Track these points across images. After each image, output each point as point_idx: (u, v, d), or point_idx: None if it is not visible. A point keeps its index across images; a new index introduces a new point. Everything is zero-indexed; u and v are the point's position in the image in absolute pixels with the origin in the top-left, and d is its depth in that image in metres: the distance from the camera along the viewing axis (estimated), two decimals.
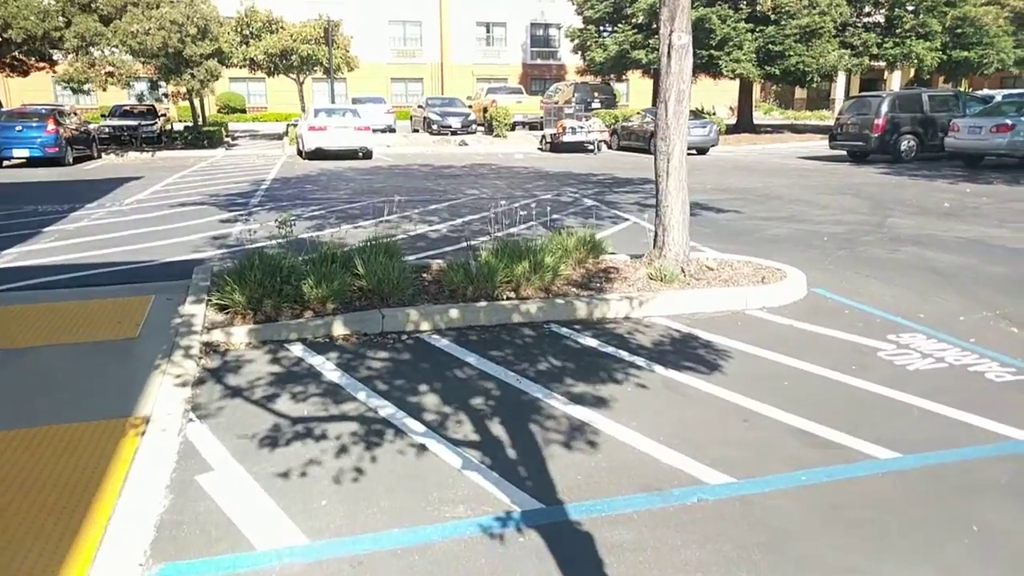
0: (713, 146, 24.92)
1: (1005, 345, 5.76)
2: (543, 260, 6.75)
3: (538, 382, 4.95)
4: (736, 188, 15.00)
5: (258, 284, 5.98)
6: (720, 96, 41.55)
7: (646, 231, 9.95)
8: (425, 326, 5.97)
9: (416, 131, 31.40)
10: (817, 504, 3.53)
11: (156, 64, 23.43)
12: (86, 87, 22.89)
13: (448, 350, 5.55)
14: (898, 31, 27.14)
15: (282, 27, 29.98)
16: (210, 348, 5.46)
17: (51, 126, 19.99)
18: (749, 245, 9.40)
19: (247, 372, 5.07)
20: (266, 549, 3.11)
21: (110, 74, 22.92)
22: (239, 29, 29.62)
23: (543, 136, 26.63)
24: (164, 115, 29.26)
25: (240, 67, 30.92)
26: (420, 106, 32.53)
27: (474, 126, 29.76)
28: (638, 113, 26.72)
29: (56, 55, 24.34)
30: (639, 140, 24.69)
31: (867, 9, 28.59)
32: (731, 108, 38.65)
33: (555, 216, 11.66)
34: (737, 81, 31.37)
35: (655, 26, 27.40)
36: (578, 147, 25.08)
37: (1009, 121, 17.22)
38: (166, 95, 32.28)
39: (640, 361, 5.37)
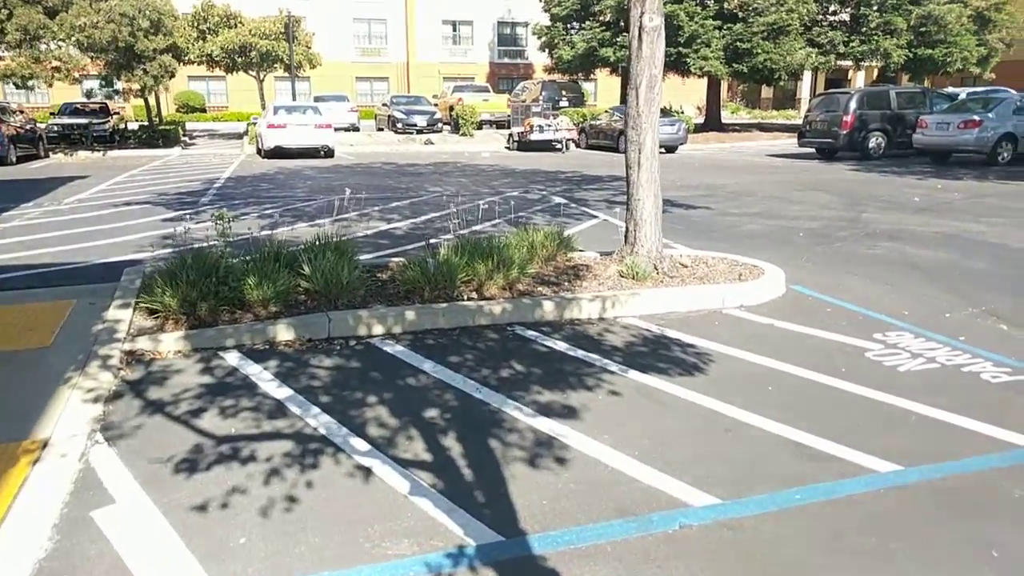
0: (682, 144, 24.69)
1: (996, 343, 5.42)
2: (508, 257, 6.27)
3: (501, 391, 4.46)
4: (707, 185, 14.68)
5: (192, 286, 5.40)
6: (688, 95, 41.49)
7: (616, 228, 9.52)
8: (377, 330, 5.45)
9: (381, 130, 30.72)
10: (815, 529, 3.09)
11: (106, 59, 22.45)
12: (30, 83, 21.79)
13: (401, 356, 5.03)
14: (864, 29, 27.19)
15: (241, 22, 29.08)
16: (133, 357, 4.87)
17: None
18: (723, 242, 9.03)
19: (172, 384, 4.50)
20: None
21: (57, 69, 21.87)
22: (195, 24, 28.65)
23: (510, 135, 26.17)
24: (117, 113, 28.16)
25: (197, 63, 29.93)
26: (385, 104, 31.84)
27: (440, 125, 29.17)
28: (606, 111, 26.41)
29: None
30: (607, 139, 24.36)
31: (833, 8, 28.63)
32: (699, 107, 38.60)
33: (522, 213, 11.19)
34: (705, 79, 31.24)
35: (623, 24, 27.17)
36: (546, 146, 24.66)
37: (977, 117, 17.18)
38: (116, 92, 31.15)
39: (612, 366, 4.91)
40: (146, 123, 27.95)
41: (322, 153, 21.57)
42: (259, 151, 22.31)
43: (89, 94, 32.87)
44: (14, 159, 19.52)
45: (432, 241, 7.50)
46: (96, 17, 20.40)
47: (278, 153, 21.21)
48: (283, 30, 28.55)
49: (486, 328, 5.64)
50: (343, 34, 43.58)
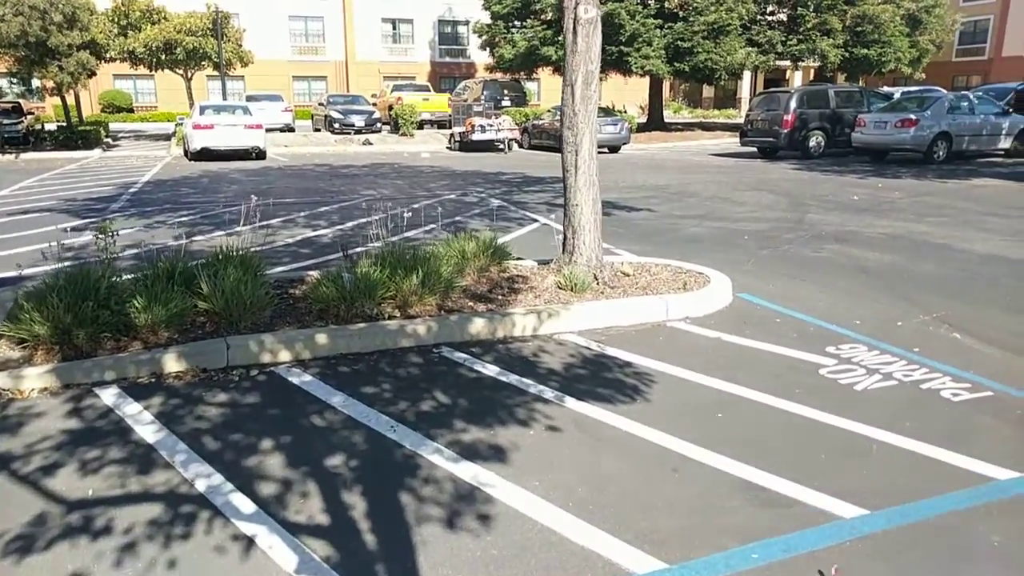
0: (625, 144, 24.46)
1: (952, 355, 5.10)
2: (436, 270, 5.71)
3: (419, 429, 3.90)
4: (650, 186, 14.36)
5: (66, 310, 4.69)
6: (631, 95, 41.51)
7: (556, 232, 9.04)
8: (284, 356, 4.83)
9: (318, 130, 29.71)
10: None
11: (16, 55, 20.99)
12: None
13: (308, 388, 4.43)
14: (801, 29, 27.48)
15: (165, 18, 27.68)
16: None
17: None
18: (667, 246, 8.65)
19: (27, 432, 3.81)
20: None
21: None
22: (116, 19, 27.15)
23: (451, 135, 25.58)
24: (32, 113, 26.50)
25: (120, 61, 28.39)
26: (321, 104, 30.81)
27: (379, 125, 28.36)
28: (549, 111, 26.02)
29: None
30: (550, 139, 23.96)
31: (771, 8, 28.86)
32: (641, 107, 38.61)
33: (458, 218, 10.65)
34: (647, 79, 31.18)
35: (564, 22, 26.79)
36: (488, 146, 24.15)
37: (913, 116, 17.33)
38: (31, 91, 29.39)
39: (548, 392, 4.40)
40: (65, 123, 26.36)
41: (253, 155, 20.61)
42: (186, 153, 21.20)
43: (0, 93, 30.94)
44: None
45: (354, 251, 6.87)
46: (2, 9, 19.00)
47: (205, 155, 20.16)
48: (211, 26, 27.30)
49: (409, 351, 5.08)
50: (278, 32, 42.27)
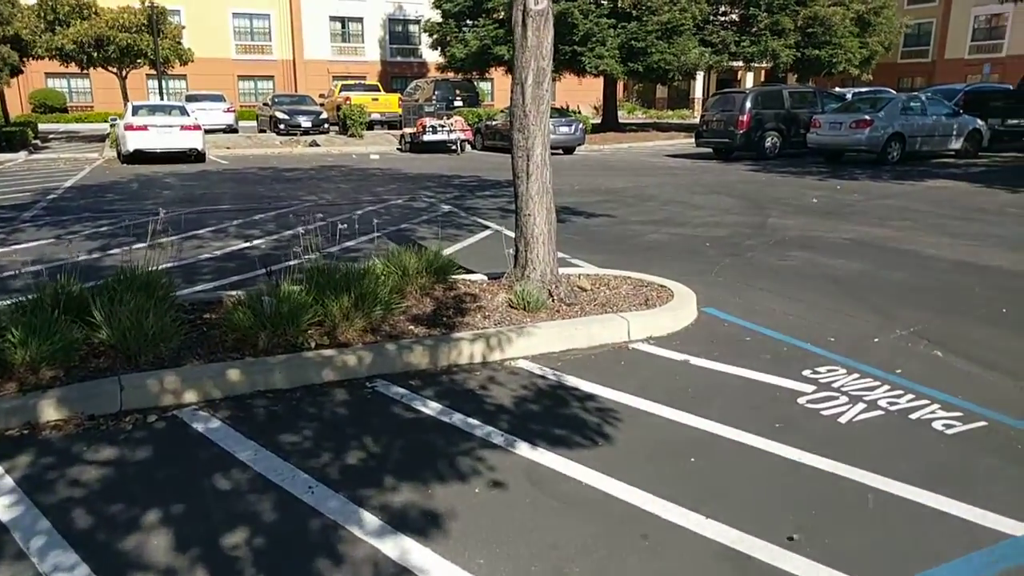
0: (580, 145, 24.05)
1: (936, 376, 4.68)
2: (371, 290, 5.08)
3: (343, 489, 3.28)
4: (607, 189, 13.90)
5: None
6: (585, 95, 41.32)
7: (510, 240, 8.47)
8: (189, 397, 4.15)
9: (263, 132, 28.62)
10: None
11: None
12: None
13: (214, 438, 3.76)
14: (753, 29, 27.46)
15: (96, 12, 26.26)
16: None
17: None
18: (626, 255, 8.15)
19: None
20: None
21: None
22: (42, 14, 25.65)
23: (402, 136, 24.85)
24: None
25: (49, 58, 26.87)
26: (266, 104, 29.70)
27: (327, 125, 27.44)
28: (502, 111, 25.47)
29: None
30: (504, 139, 23.38)
31: (723, 8, 28.81)
32: (596, 107, 38.38)
33: (404, 225, 10.01)
34: (601, 79, 30.87)
35: (513, 14, 26.27)
36: (440, 147, 23.48)
37: (868, 117, 17.26)
38: None
39: (497, 436, 3.82)
40: None
41: (192, 157, 19.57)
42: (120, 156, 20.05)
43: None
44: None
45: (288, 265, 6.19)
46: None
47: (140, 158, 19.05)
48: (146, 23, 26.00)
49: (338, 386, 4.44)
50: (222, 30, 40.87)
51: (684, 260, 7.89)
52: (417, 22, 41.97)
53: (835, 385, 4.55)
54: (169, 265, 7.40)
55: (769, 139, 19.80)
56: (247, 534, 2.94)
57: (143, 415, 3.98)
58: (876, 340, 5.40)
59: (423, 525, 3.02)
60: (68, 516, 3.05)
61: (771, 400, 4.34)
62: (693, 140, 22.53)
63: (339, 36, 44.39)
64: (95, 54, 26.25)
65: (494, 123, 24.73)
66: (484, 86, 35.10)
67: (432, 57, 39.30)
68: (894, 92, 22.28)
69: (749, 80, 42.16)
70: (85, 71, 29.79)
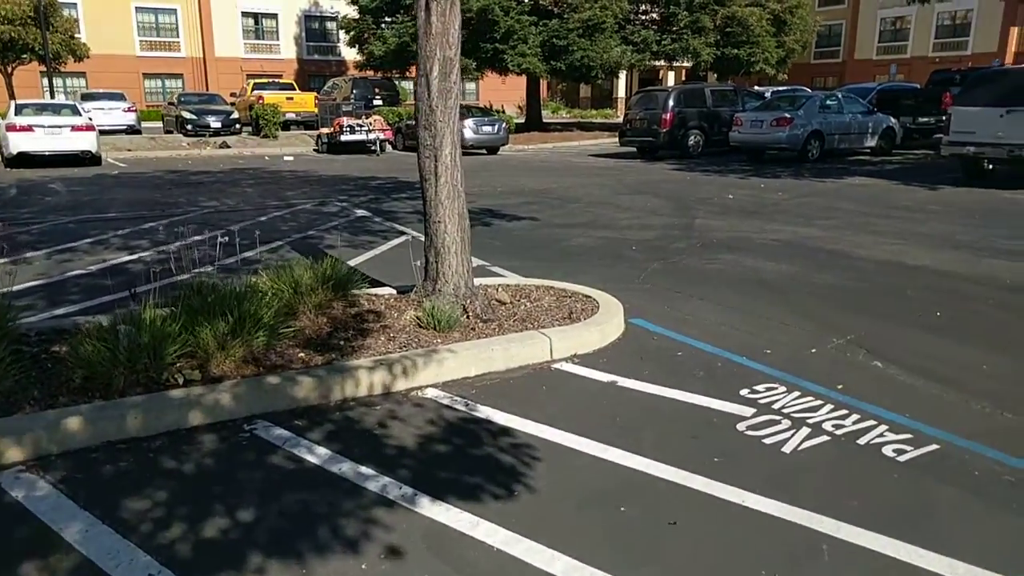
0: (503, 145, 23.55)
1: (878, 391, 4.35)
2: (253, 313, 4.38)
3: (195, 572, 2.61)
4: (530, 190, 13.40)
5: None
6: (509, 94, 40.92)
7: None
8: (14, 455, 3.38)
9: (170, 132, 27.00)
10: None
11: None
12: None
13: (36, 510, 3.02)
14: (674, 28, 27.58)
15: None
16: None
17: None
18: (549, 261, 7.66)
19: None
20: None
21: None
22: None
23: (319, 136, 23.82)
24: None
25: None
26: (171, 103, 28.04)
27: (238, 126, 26.08)
28: None
29: None
30: None
31: (644, 7, 28.84)
32: (520, 107, 38.00)
33: (312, 232, 9.25)
34: (524, 78, 30.49)
35: None
36: (359, 147, 22.58)
37: (788, 115, 17.36)
38: None
39: (394, 488, 3.22)
40: None
41: (86, 160, 18.11)
42: (2, 159, 18.38)
43: None
44: None
45: (161, 284, 5.42)
46: None
47: (26, 161, 17.49)
48: (33, 15, 24.06)
49: (209, 431, 3.74)
50: (124, 25, 38.56)
51: (610, 266, 7.45)
52: (335, 18, 40.59)
53: (776, 406, 4.14)
54: (29, 284, 6.50)
55: (692, 137, 19.76)
56: None
57: None
58: (813, 351, 5.05)
59: None
60: None
61: (708, 427, 3.88)
62: (617, 139, 22.35)
63: (252, 33, 42.59)
64: None
65: (415, 123, 23.97)
66: (406, 85, 34.12)
67: (351, 55, 38.12)
68: (809, 90, 22.65)
69: (671, 79, 42.60)
70: None
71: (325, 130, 23.47)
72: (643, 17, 29.01)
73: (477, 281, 5.92)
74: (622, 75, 38.15)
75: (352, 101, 25.99)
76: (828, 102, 18.40)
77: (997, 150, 12.45)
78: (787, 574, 2.67)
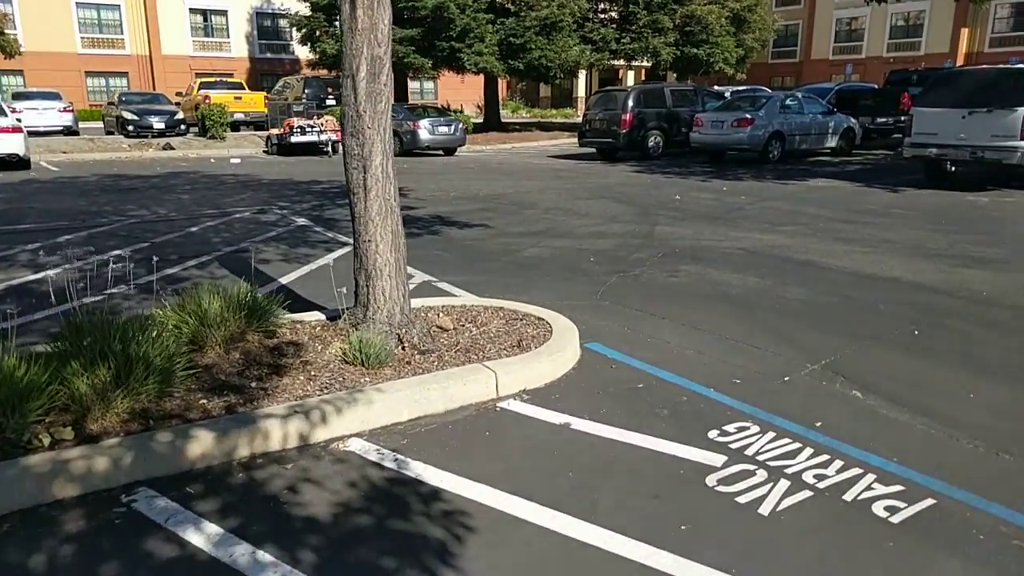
0: (461, 146, 22.93)
1: (861, 430, 3.89)
2: (142, 354, 3.72)
3: None
4: (485, 195, 12.82)
5: None
6: (467, 93, 40.31)
7: None
8: None
9: (111, 133, 25.77)
10: None
11: None
12: None
13: None
14: (634, 27, 27.25)
15: None
16: None
17: None
18: (500, 274, 7.11)
19: None
20: None
21: None
22: None
23: (268, 137, 22.92)
24: None
25: None
26: (112, 103, 26.79)
27: (184, 127, 25.01)
28: None
29: None
30: None
31: (603, 5, 28.47)
32: (478, 106, 37.40)
33: (245, 244, 8.54)
34: (482, 77, 29.90)
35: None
36: (311, 148, 21.77)
37: (749, 116, 17.06)
38: None
39: None
40: None
41: (14, 164, 17.00)
42: None
43: None
44: None
45: (62, 309, 4.73)
46: None
47: None
48: None
49: (78, 505, 3.10)
50: (64, 20, 36.95)
51: (566, 279, 6.91)
52: (286, 16, 39.51)
53: (749, 452, 3.64)
54: None
55: (652, 138, 19.38)
56: None
57: None
58: (787, 379, 4.58)
59: None
60: None
61: (674, 483, 3.36)
62: (576, 140, 21.88)
63: (201, 30, 41.22)
64: None
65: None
66: None
67: (305, 54, 37.09)
68: (768, 90, 22.49)
69: (631, 78, 42.41)
70: None
71: (275, 131, 22.60)
72: (602, 16, 28.67)
73: (418, 302, 5.35)
74: (581, 74, 37.84)
75: (304, 101, 25.13)
76: (788, 102, 18.18)
77: (959, 152, 12.26)
78: None
